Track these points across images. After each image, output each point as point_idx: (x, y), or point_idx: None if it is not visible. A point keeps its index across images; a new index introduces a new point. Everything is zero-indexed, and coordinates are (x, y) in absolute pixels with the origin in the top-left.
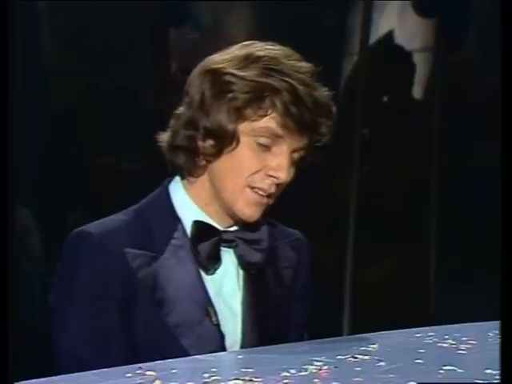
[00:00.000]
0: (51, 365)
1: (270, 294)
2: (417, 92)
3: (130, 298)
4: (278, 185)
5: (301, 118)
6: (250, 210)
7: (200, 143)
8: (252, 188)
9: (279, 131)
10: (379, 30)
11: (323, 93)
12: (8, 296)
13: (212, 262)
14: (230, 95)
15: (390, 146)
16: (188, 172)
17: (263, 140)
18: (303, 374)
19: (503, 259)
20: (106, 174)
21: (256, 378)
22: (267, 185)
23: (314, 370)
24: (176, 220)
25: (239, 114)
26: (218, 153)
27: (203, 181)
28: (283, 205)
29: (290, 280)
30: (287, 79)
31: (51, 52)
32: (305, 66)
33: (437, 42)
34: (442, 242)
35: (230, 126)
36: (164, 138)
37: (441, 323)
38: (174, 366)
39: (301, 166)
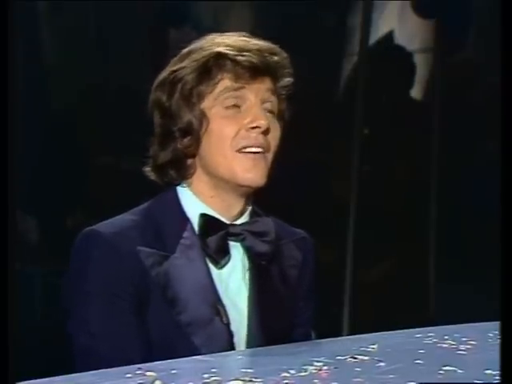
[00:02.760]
0: (71, 363)
1: (276, 292)
2: (417, 92)
3: (143, 296)
4: (265, 136)
5: (250, 62)
6: (250, 173)
7: (180, 146)
8: (241, 150)
9: (236, 84)
10: (379, 30)
11: (267, 42)
12: (8, 296)
13: (221, 256)
14: (180, 84)
15: (390, 146)
16: (183, 177)
17: (227, 100)
18: (303, 374)
19: (503, 259)
20: (106, 174)
21: (256, 378)
22: (253, 138)
23: (314, 371)
24: (185, 219)
25: (197, 95)
26: (197, 141)
27: (200, 175)
28: (283, 204)
29: (295, 279)
30: (226, 43)
31: (51, 52)
32: (239, 33)
33: (437, 42)
34: (441, 241)
35: (195, 111)
36: (149, 169)
37: (441, 323)
38: (174, 366)
39: (288, 120)
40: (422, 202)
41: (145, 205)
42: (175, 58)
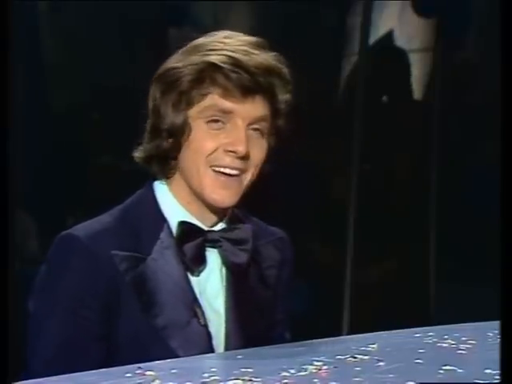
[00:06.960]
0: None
1: (254, 294)
2: (417, 92)
3: (115, 301)
4: (243, 160)
5: (242, 82)
6: (217, 194)
7: (165, 145)
8: (214, 168)
9: (225, 104)
10: (379, 30)
11: (269, 57)
12: (8, 296)
13: (197, 264)
14: (176, 84)
15: (390, 145)
16: (164, 175)
17: (212, 117)
18: (303, 373)
19: (503, 259)
20: (106, 174)
21: (255, 378)
22: (228, 161)
23: (314, 370)
24: (162, 220)
25: (186, 100)
26: (178, 146)
27: (179, 179)
28: (282, 204)
29: (274, 279)
30: (225, 52)
31: (51, 52)
32: (247, 38)
33: (437, 42)
34: (442, 241)
35: (180, 116)
36: (137, 153)
37: (441, 323)
38: (174, 365)
39: (281, 139)
40: (422, 202)
41: (122, 205)
42: (177, 53)
